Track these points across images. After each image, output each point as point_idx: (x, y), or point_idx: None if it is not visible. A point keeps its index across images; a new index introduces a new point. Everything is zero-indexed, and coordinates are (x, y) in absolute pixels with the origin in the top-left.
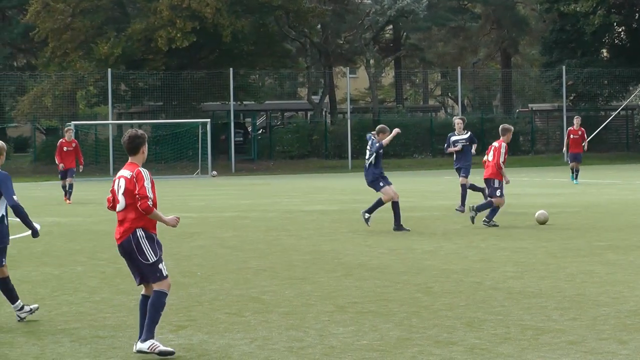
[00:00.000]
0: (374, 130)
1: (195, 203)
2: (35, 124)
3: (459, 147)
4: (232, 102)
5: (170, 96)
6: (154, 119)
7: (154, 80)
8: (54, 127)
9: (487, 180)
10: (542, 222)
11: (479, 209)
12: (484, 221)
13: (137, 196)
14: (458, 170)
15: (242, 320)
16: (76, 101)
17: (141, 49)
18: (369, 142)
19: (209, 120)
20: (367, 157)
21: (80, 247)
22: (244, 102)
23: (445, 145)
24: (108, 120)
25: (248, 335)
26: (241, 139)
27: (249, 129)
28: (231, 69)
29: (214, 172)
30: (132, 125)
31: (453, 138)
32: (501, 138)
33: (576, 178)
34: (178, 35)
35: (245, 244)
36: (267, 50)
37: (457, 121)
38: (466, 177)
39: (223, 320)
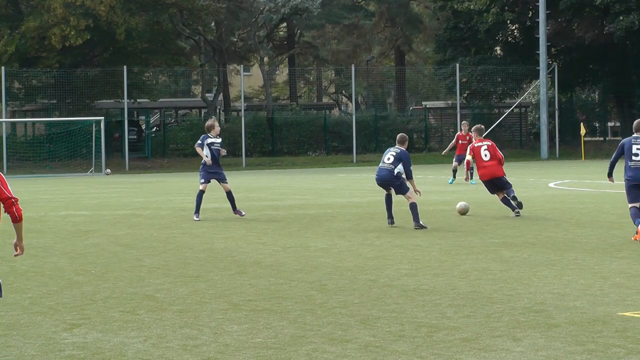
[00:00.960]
0: (398, 140)
1: (89, 201)
2: None
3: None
4: (126, 100)
5: (64, 94)
6: (47, 117)
7: (48, 78)
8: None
9: (500, 179)
10: (463, 213)
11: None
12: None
13: (12, 200)
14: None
15: (137, 319)
16: None
17: (35, 46)
18: (395, 152)
19: (102, 118)
20: (391, 162)
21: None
22: (138, 100)
23: None
24: (1, 118)
25: (142, 334)
26: (135, 137)
27: (143, 127)
28: (125, 67)
29: (108, 170)
30: (25, 124)
31: None
32: (481, 137)
33: (471, 178)
34: (72, 32)
35: (139, 241)
36: (161, 48)
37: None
38: None
39: (117, 319)
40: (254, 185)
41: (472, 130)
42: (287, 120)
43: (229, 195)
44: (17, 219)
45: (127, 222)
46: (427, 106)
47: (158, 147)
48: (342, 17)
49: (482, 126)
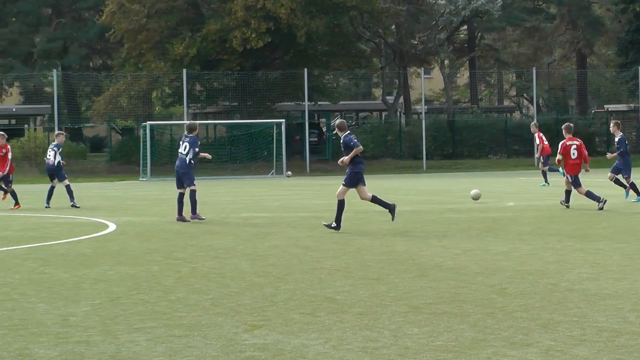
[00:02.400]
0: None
1: (269, 203)
2: (111, 124)
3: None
4: (306, 103)
5: (245, 96)
6: (228, 119)
7: (229, 81)
8: (130, 127)
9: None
10: (476, 198)
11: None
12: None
13: None
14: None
15: (317, 321)
16: (151, 101)
17: (216, 49)
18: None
19: (283, 120)
20: None
21: (156, 246)
22: (319, 103)
23: None
24: (183, 120)
25: (322, 336)
26: (316, 139)
27: (324, 129)
28: (305, 70)
29: (289, 173)
30: (207, 126)
31: None
32: (571, 135)
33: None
34: (253, 35)
35: (319, 244)
36: (342, 50)
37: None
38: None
39: (297, 320)
40: (435, 188)
41: (562, 128)
42: (468, 123)
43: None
44: None
45: (308, 224)
46: (609, 109)
47: (338, 150)
48: (522, 20)
49: (572, 124)
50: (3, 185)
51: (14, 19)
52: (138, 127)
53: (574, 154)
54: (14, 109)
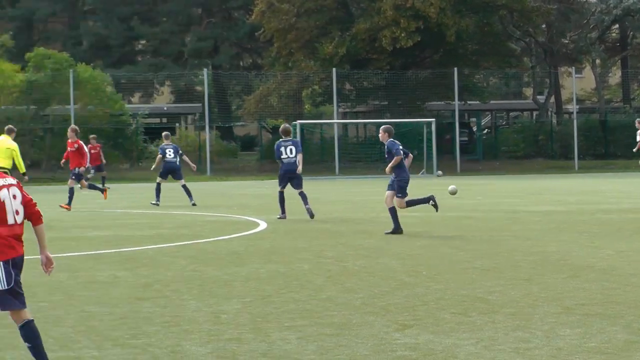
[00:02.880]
0: None
1: None
2: (262, 123)
3: None
4: (456, 102)
5: (395, 95)
6: (378, 118)
7: (378, 80)
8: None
9: None
10: (453, 193)
11: None
12: None
13: (34, 204)
14: None
15: (468, 321)
16: (301, 100)
17: (365, 48)
18: None
19: (433, 120)
20: None
21: (306, 245)
22: (469, 102)
23: None
24: (333, 119)
25: (474, 336)
26: (466, 138)
27: (474, 128)
28: (455, 69)
29: (439, 172)
30: (357, 125)
31: None
32: None
33: None
34: (402, 34)
35: (470, 244)
36: (492, 49)
37: None
38: None
39: (449, 320)
40: (586, 188)
41: None
42: (621, 123)
43: None
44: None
45: (458, 224)
46: None
47: (489, 149)
48: None
49: None
50: (99, 185)
51: (164, 19)
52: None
53: None
54: (165, 108)
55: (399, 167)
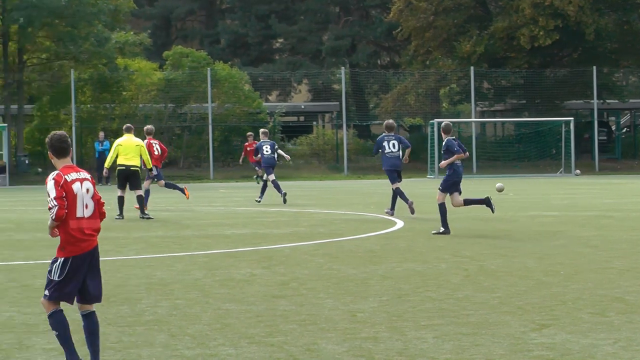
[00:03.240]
0: None
1: (558, 202)
2: (399, 122)
3: None
4: (595, 101)
5: (533, 94)
6: (516, 117)
7: (516, 79)
8: (418, 125)
9: None
10: (500, 191)
11: None
12: None
13: (101, 201)
14: None
15: (606, 321)
16: (439, 99)
17: (503, 47)
18: None
19: (572, 118)
20: None
21: (443, 244)
22: (607, 101)
23: None
24: (471, 118)
25: (611, 336)
26: (605, 137)
27: (613, 127)
28: (594, 67)
29: (578, 171)
30: (494, 124)
31: None
32: None
33: None
34: (540, 33)
35: (608, 243)
36: (631, 48)
37: None
38: None
39: (586, 320)
40: None
41: None
42: None
43: None
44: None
45: (596, 224)
46: None
47: (628, 149)
48: None
49: None
50: (178, 185)
51: (302, 17)
52: (426, 124)
53: None
54: (302, 106)
55: (455, 164)
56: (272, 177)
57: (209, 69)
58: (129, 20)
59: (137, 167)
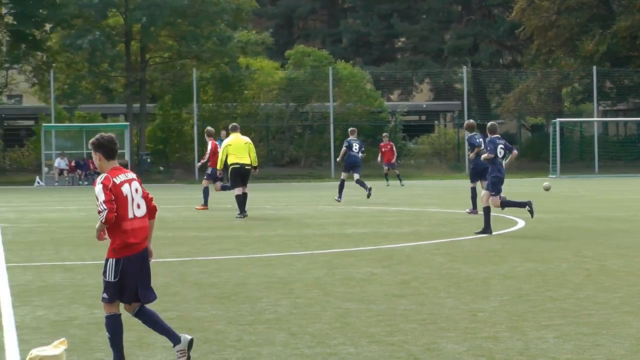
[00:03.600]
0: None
1: None
2: (521, 121)
3: None
4: None
5: None
6: (639, 117)
7: (639, 78)
8: (539, 124)
9: None
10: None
11: None
12: None
13: (151, 199)
14: None
15: None
16: (561, 98)
17: (626, 46)
18: None
19: None
20: None
21: (564, 243)
22: None
23: None
24: (593, 117)
25: None
26: None
27: None
28: None
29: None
30: (617, 123)
31: None
32: None
33: None
34: None
35: None
36: None
37: None
38: None
39: None
40: None
41: None
42: None
43: None
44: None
45: None
46: None
47: None
48: None
49: None
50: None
51: (424, 16)
52: (547, 124)
53: None
54: (424, 105)
55: (493, 164)
56: (356, 176)
57: (330, 68)
58: (252, 19)
59: (249, 165)
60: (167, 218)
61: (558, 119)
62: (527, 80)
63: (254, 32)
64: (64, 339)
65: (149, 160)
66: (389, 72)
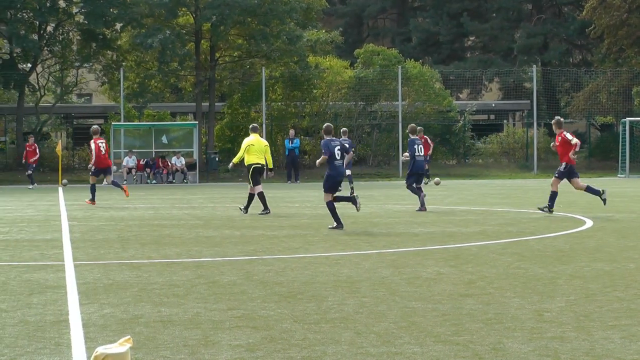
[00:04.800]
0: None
1: None
2: (590, 120)
3: None
4: None
5: None
6: None
7: None
8: (609, 124)
9: None
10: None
11: None
12: None
13: None
14: None
15: None
16: (631, 97)
17: None
18: None
19: None
20: None
21: (633, 243)
22: None
23: None
24: None
25: None
26: None
27: None
28: None
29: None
30: None
31: None
32: None
33: None
34: None
35: None
36: None
37: None
38: None
39: None
40: None
41: None
42: None
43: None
44: None
45: None
46: None
47: None
48: None
49: None
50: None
51: (494, 15)
52: (617, 123)
53: None
54: (493, 104)
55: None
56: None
57: (399, 67)
58: (321, 18)
59: (264, 165)
60: (235, 217)
61: (628, 118)
62: (597, 79)
63: (323, 31)
64: (129, 337)
65: (217, 159)
66: (458, 71)
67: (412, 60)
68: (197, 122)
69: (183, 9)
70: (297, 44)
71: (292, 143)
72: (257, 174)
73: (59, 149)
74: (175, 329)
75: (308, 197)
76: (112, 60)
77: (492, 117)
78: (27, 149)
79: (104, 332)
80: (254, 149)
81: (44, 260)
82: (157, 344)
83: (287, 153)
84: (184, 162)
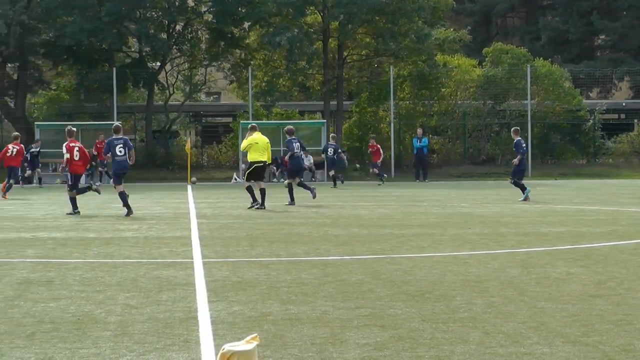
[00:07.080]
0: None
1: None
2: None
3: None
4: None
5: None
6: None
7: None
8: None
9: None
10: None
11: None
12: None
13: None
14: None
15: None
16: None
17: None
18: None
19: None
20: None
21: None
22: None
23: None
24: None
25: None
26: None
27: None
28: None
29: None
30: None
31: None
32: None
33: None
34: None
35: None
36: None
37: None
38: None
39: None
40: None
41: None
42: None
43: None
44: None
45: None
46: None
47: None
48: None
49: None
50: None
51: (625, 13)
52: None
53: None
54: (623, 104)
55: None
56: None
57: (528, 65)
58: (449, 16)
59: (266, 162)
60: (363, 215)
61: None
62: None
63: (451, 29)
64: (256, 334)
65: (346, 157)
66: (588, 70)
67: (541, 58)
68: (325, 120)
69: (311, 8)
70: (425, 42)
71: (420, 142)
72: (258, 171)
73: (188, 147)
74: (303, 327)
75: (436, 195)
76: (241, 59)
77: (623, 116)
78: (98, 145)
79: (232, 329)
80: (258, 146)
81: (173, 257)
82: (285, 342)
83: (415, 152)
84: (312, 161)
